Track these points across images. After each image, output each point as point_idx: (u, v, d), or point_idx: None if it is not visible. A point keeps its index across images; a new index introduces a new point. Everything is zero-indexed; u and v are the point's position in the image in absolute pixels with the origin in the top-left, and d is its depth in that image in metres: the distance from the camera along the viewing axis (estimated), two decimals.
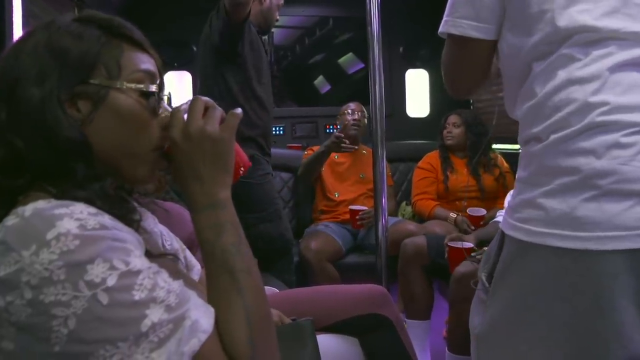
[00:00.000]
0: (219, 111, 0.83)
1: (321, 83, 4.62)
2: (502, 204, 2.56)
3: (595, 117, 0.83)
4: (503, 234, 0.96)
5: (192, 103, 0.82)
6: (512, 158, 3.17)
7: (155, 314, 0.67)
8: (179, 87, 3.59)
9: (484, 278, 1.00)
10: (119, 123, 0.80)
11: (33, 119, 0.74)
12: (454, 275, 2.17)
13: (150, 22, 3.39)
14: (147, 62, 0.85)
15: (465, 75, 1.11)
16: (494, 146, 3.32)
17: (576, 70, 0.86)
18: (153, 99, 0.83)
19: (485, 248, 2.26)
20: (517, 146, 3.30)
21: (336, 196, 3.16)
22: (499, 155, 3.13)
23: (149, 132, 0.83)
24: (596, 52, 0.86)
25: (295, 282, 2.62)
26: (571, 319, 0.84)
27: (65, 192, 0.73)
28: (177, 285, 0.73)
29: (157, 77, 0.85)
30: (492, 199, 3.02)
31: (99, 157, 0.78)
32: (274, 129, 3.66)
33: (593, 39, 0.86)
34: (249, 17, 2.31)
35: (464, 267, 2.16)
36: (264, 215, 2.49)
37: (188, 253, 1.15)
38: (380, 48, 2.15)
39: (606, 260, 0.81)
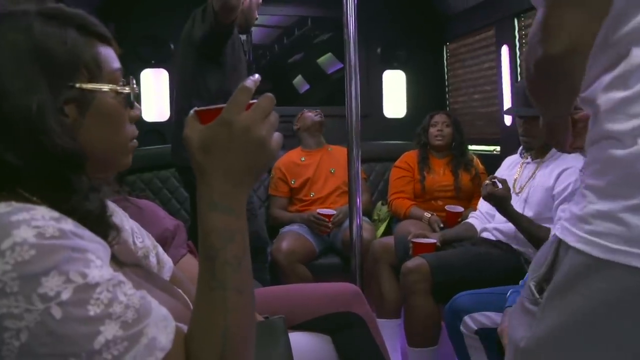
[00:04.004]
0: (274, 116, 0.77)
1: (300, 83, 4.63)
2: (476, 204, 2.60)
3: None
4: (559, 243, 0.87)
5: (259, 99, 0.76)
6: (485, 159, 3.23)
7: (109, 331, 0.65)
8: (155, 84, 3.56)
9: (533, 288, 0.90)
10: (103, 124, 0.80)
11: (27, 131, 0.70)
12: (403, 271, 2.21)
13: (128, 19, 3.38)
14: (116, 59, 0.84)
15: (573, 23, 0.82)
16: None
17: None
18: (128, 96, 0.84)
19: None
20: (489, 147, 3.39)
21: (311, 196, 3.18)
22: (475, 157, 3.18)
23: (126, 126, 0.84)
24: None
25: (269, 281, 2.63)
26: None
27: (62, 203, 0.71)
28: (137, 298, 0.70)
29: (122, 72, 0.85)
30: (467, 199, 3.07)
31: (89, 160, 0.76)
32: None
33: None
34: (236, 19, 2.31)
35: (412, 262, 2.19)
36: None
37: (160, 250, 1.14)
38: (357, 49, 2.17)
39: None
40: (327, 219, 2.93)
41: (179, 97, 2.59)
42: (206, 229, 0.74)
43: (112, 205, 0.97)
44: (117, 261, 0.81)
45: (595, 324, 0.79)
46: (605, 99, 0.81)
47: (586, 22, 0.78)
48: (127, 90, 0.83)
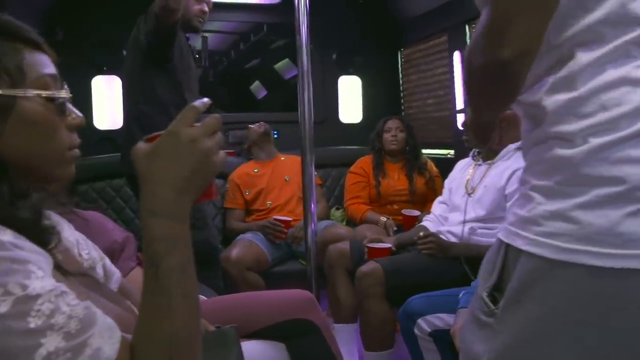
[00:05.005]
0: (219, 136, 0.79)
1: (257, 89, 4.62)
2: (430, 207, 2.64)
3: None
4: (507, 249, 0.85)
5: (207, 118, 0.78)
6: (439, 162, 3.28)
7: (51, 343, 0.64)
8: (108, 91, 3.49)
9: (485, 298, 0.88)
10: (29, 132, 0.77)
11: None
12: (357, 275, 2.23)
13: (79, 24, 3.30)
14: (49, 65, 0.82)
15: (525, 26, 0.80)
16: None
17: (633, 69, 0.76)
18: (60, 102, 0.81)
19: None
20: (444, 151, 3.45)
21: (268, 205, 3.18)
22: (429, 160, 3.23)
23: (60, 135, 0.81)
24: None
25: (222, 287, 2.62)
26: (609, 345, 0.75)
27: None
28: (81, 308, 0.69)
29: (59, 79, 0.83)
30: (422, 203, 3.11)
31: (15, 170, 0.75)
32: None
33: None
34: (179, 21, 2.28)
35: (366, 266, 2.22)
36: (191, 222, 2.46)
37: (107, 262, 1.12)
38: (309, 55, 2.18)
39: None
40: (282, 225, 2.93)
41: (127, 103, 2.56)
42: (149, 236, 0.74)
43: (56, 217, 0.95)
44: (61, 271, 0.79)
45: (556, 329, 0.78)
46: (551, 100, 0.81)
47: (534, 25, 0.78)
48: (62, 95, 0.81)
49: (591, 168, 0.76)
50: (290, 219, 2.97)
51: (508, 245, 0.85)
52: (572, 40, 0.79)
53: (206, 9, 2.57)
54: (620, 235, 0.73)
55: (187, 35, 2.63)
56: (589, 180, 0.76)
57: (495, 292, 0.87)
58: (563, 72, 0.80)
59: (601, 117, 0.76)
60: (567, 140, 0.78)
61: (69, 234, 1.01)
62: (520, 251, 0.82)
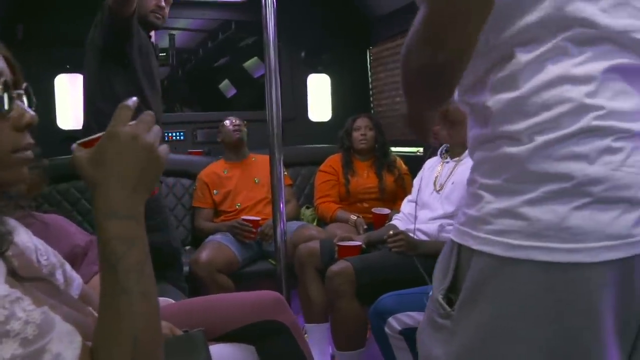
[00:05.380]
0: (157, 128, 0.79)
1: (227, 87, 4.57)
2: (400, 205, 2.65)
3: (591, 120, 0.76)
4: (460, 249, 0.86)
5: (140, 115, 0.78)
6: (408, 160, 3.30)
7: (7, 350, 0.62)
8: (71, 90, 3.41)
9: (441, 300, 0.88)
10: None
11: None
12: (328, 274, 2.23)
13: (40, 21, 3.22)
14: None
15: (459, 34, 0.81)
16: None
17: (572, 67, 0.78)
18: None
19: None
20: (413, 149, 3.47)
21: (237, 207, 3.15)
22: (397, 158, 3.25)
23: (2, 135, 0.76)
24: (590, 52, 0.78)
25: (187, 289, 2.60)
26: (558, 338, 0.77)
27: None
28: (38, 313, 0.67)
29: (4, 74, 0.78)
30: (392, 200, 3.12)
31: None
32: (173, 134, 3.65)
33: (591, 36, 0.78)
34: (134, 14, 2.24)
35: (337, 265, 2.22)
36: (151, 224, 2.39)
37: (68, 267, 1.09)
38: (277, 52, 2.16)
39: (597, 273, 0.75)
40: (251, 225, 2.90)
41: (86, 101, 2.52)
42: (106, 237, 0.73)
43: (13, 222, 0.92)
44: (16, 277, 0.76)
45: (510, 327, 0.79)
46: (495, 100, 0.82)
47: (470, 27, 0.78)
48: None
49: (537, 165, 0.77)
50: (258, 218, 2.94)
51: (460, 246, 0.86)
52: (511, 40, 0.81)
53: (163, 3, 2.52)
54: (567, 229, 0.75)
55: (150, 33, 2.59)
56: (535, 177, 0.77)
57: (451, 293, 0.87)
58: (505, 72, 0.82)
59: (544, 115, 0.78)
60: (514, 138, 0.80)
61: (27, 239, 0.98)
62: (472, 251, 0.83)
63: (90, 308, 1.00)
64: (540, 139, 0.77)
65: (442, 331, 0.87)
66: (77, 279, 1.11)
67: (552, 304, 0.77)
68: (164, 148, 0.78)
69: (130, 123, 0.76)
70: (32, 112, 0.80)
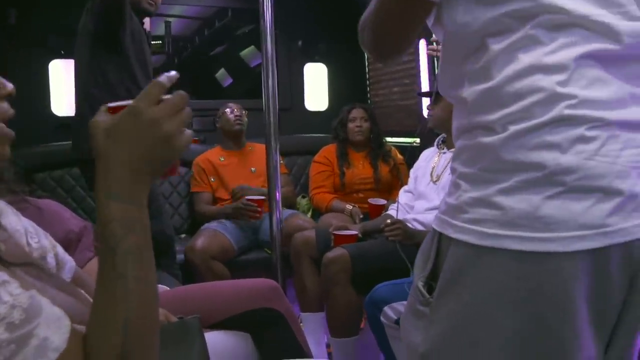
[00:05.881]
0: (186, 112, 0.74)
1: (223, 76, 4.55)
2: (396, 195, 2.64)
3: (563, 109, 0.76)
4: (440, 238, 0.87)
5: (172, 95, 0.73)
6: (405, 150, 3.29)
7: None
8: (66, 76, 3.37)
9: (421, 287, 0.89)
10: None
11: None
12: (324, 261, 2.22)
13: (33, 5, 3.18)
14: None
15: (401, 34, 0.96)
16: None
17: (543, 56, 0.78)
18: None
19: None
20: (409, 139, 3.47)
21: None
22: (393, 147, 3.24)
23: None
24: (562, 39, 0.78)
25: (181, 276, 2.60)
26: (531, 327, 0.78)
27: None
28: (26, 297, 0.66)
29: None
30: (387, 190, 3.12)
31: None
32: None
33: (560, 22, 0.79)
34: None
35: (333, 252, 2.22)
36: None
37: (60, 249, 1.07)
38: (274, 41, 2.16)
39: (569, 262, 0.75)
40: (256, 204, 2.88)
41: (78, 88, 2.51)
42: (105, 218, 0.70)
43: (1, 204, 0.91)
44: (2, 261, 0.75)
45: (485, 314, 0.80)
46: (471, 91, 0.84)
47: (412, 26, 0.90)
48: None
49: (511, 154, 0.78)
50: (262, 197, 2.88)
51: (440, 234, 0.87)
52: (482, 31, 0.82)
53: None
54: (540, 218, 0.75)
55: (143, 20, 2.59)
56: (509, 166, 0.78)
57: (432, 281, 0.88)
58: (479, 63, 0.83)
59: (517, 105, 0.78)
60: (488, 128, 0.81)
61: (15, 222, 0.96)
62: (450, 239, 0.84)
63: (84, 292, 0.99)
64: (513, 129, 0.78)
65: (421, 318, 0.89)
66: (69, 261, 1.09)
67: (525, 292, 0.77)
68: (186, 135, 0.74)
69: (164, 96, 0.72)
70: (10, 85, 0.75)
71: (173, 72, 0.75)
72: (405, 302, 1.84)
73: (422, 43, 3.22)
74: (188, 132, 0.74)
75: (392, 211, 2.50)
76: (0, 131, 0.74)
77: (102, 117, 0.72)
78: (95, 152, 0.72)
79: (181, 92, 0.74)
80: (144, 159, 0.71)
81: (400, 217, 2.43)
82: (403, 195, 2.51)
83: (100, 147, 0.71)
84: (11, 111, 0.75)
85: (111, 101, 0.75)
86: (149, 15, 2.61)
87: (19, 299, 0.65)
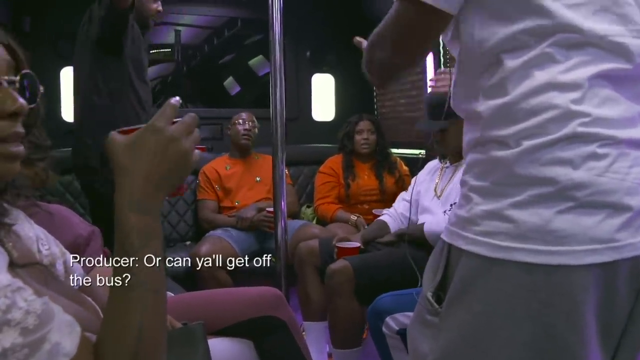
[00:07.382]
0: (196, 133, 0.79)
1: (231, 84, 4.58)
2: None
3: (576, 127, 0.78)
4: (450, 249, 0.89)
5: (184, 116, 0.78)
6: (411, 162, 3.30)
7: (7, 339, 0.62)
8: None
9: (430, 297, 0.91)
10: None
11: None
12: (328, 273, 2.23)
13: (46, 13, 3.23)
14: None
15: (419, 45, 0.95)
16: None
17: (558, 74, 0.80)
18: None
19: None
20: (415, 151, 3.47)
21: (237, 204, 3.15)
22: (398, 159, 3.25)
23: None
24: (577, 58, 0.80)
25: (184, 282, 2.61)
26: (540, 338, 0.79)
27: None
28: (39, 303, 0.68)
29: None
30: (392, 202, 3.11)
31: None
32: None
33: (575, 41, 0.81)
34: (133, 6, 2.30)
35: (336, 264, 2.22)
36: None
37: (68, 257, 1.09)
38: (282, 51, 2.17)
39: (579, 275, 0.77)
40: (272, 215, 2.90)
41: (79, 96, 2.53)
42: (127, 228, 0.74)
43: (15, 212, 0.93)
44: (16, 267, 0.77)
45: (495, 326, 0.81)
46: (486, 106, 0.86)
47: (428, 39, 0.91)
48: None
49: (524, 169, 0.80)
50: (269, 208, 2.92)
51: (450, 245, 0.89)
52: (498, 47, 0.84)
53: (160, 8, 2.65)
54: (551, 232, 0.77)
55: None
56: (522, 181, 0.80)
57: (440, 291, 0.90)
58: (494, 79, 0.85)
59: (532, 121, 0.80)
60: (502, 143, 0.82)
61: (28, 229, 0.98)
62: (461, 251, 0.85)
63: (91, 299, 1.01)
64: (527, 144, 0.80)
65: (430, 328, 0.90)
66: (77, 269, 1.11)
67: (535, 304, 0.79)
68: (196, 155, 0.79)
69: (176, 120, 0.77)
70: (21, 100, 0.72)
71: (177, 98, 0.80)
72: (407, 313, 1.88)
73: (430, 56, 3.24)
74: (197, 151, 0.79)
75: (385, 217, 2.51)
76: (8, 151, 0.71)
77: (117, 137, 0.76)
78: (116, 168, 0.75)
79: (192, 114, 0.79)
80: (163, 173, 0.75)
81: (393, 224, 2.44)
82: (399, 203, 2.52)
83: (121, 162, 0.75)
84: (21, 130, 0.72)
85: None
86: (148, 29, 2.69)
87: (33, 305, 0.66)
